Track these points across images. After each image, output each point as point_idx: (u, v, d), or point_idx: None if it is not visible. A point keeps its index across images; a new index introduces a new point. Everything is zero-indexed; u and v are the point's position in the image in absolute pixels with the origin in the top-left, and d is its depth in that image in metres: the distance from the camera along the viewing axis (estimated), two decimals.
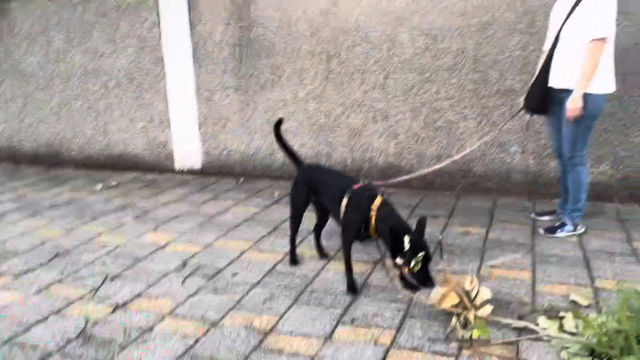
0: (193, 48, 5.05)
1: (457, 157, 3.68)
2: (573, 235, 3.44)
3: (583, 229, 3.49)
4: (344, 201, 2.67)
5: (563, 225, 3.48)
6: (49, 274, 3.04)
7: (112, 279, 2.95)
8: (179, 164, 5.39)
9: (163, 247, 3.43)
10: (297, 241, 3.43)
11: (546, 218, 3.76)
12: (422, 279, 2.42)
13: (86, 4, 5.30)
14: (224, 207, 4.23)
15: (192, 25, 5.00)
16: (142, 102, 5.35)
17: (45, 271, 3.08)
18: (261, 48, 4.83)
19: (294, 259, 3.11)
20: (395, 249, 2.45)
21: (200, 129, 5.22)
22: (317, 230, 3.16)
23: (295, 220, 3.04)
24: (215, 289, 2.82)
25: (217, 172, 5.26)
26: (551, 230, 3.48)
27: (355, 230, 2.63)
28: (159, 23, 5.09)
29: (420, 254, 2.36)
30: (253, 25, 4.81)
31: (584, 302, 2.53)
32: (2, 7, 5.62)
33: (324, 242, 3.24)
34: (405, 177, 3.57)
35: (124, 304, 2.67)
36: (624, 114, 3.98)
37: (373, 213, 2.54)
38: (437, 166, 3.64)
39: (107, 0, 5.21)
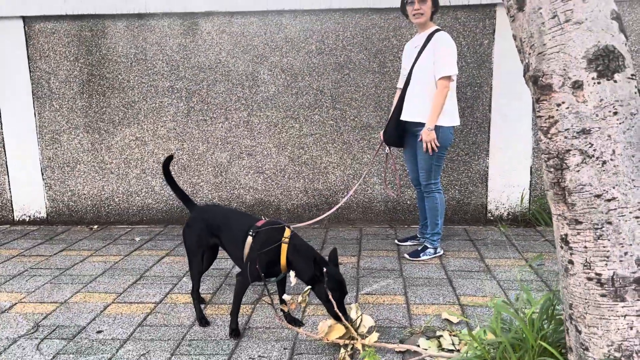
0: (33, 85, 4.59)
1: (351, 192, 3.83)
2: (434, 257, 3.70)
3: (442, 251, 3.77)
4: (249, 240, 2.53)
5: (425, 249, 3.72)
6: None
7: None
8: (18, 214, 4.79)
9: (8, 309, 2.97)
10: (169, 289, 3.23)
11: (408, 243, 4.00)
12: (342, 312, 2.38)
13: None
14: (79, 258, 3.83)
15: (31, 60, 4.55)
16: None
17: None
18: (114, 84, 4.55)
19: (203, 318, 2.76)
20: (313, 279, 2.40)
21: (43, 173, 4.71)
22: (198, 278, 2.96)
23: (196, 267, 2.77)
24: (79, 350, 2.50)
25: (65, 221, 4.77)
26: (415, 254, 3.70)
27: (264, 268, 2.47)
28: None
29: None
30: (104, 61, 4.52)
31: (454, 319, 2.71)
32: None
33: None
34: (316, 219, 3.52)
35: None
36: (465, 145, 4.43)
37: (284, 246, 2.45)
38: (339, 204, 3.69)
39: None
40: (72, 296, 3.14)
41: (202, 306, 2.93)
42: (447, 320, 2.71)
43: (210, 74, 4.49)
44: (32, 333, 2.68)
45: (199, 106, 4.54)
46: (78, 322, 2.79)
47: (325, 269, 2.36)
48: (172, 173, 4.53)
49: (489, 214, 4.52)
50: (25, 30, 4.51)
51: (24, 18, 4.49)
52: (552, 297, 2.04)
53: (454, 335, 2.46)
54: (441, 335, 2.47)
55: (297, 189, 4.60)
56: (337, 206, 3.72)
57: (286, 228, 2.54)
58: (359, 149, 4.51)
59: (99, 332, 2.69)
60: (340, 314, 2.36)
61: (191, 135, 4.58)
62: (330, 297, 2.34)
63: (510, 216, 4.49)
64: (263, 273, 2.47)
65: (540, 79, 1.67)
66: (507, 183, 4.44)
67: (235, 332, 2.59)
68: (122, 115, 4.59)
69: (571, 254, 1.69)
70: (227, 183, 4.62)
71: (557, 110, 1.65)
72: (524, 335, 1.91)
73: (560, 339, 1.95)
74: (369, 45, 4.37)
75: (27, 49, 4.54)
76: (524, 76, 1.75)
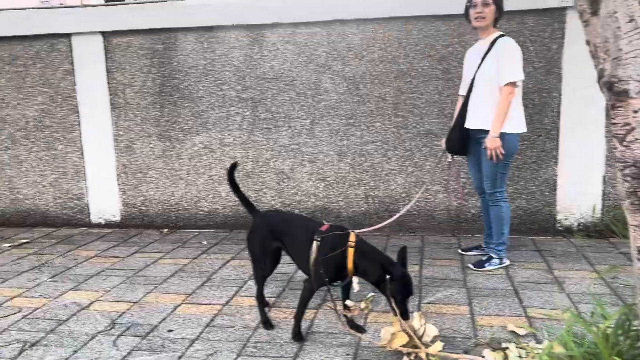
0: (110, 96, 4.87)
1: (414, 199, 3.85)
2: (500, 267, 3.61)
3: (508, 262, 3.67)
4: (315, 244, 2.56)
5: (490, 259, 3.64)
6: None
7: (32, 346, 2.66)
8: (95, 217, 5.08)
9: (87, 306, 3.16)
10: (234, 291, 3.34)
11: (472, 253, 3.93)
12: (401, 311, 2.40)
13: None
14: (151, 259, 4.02)
15: (109, 72, 4.84)
16: (54, 153, 5.03)
17: None
18: (184, 94, 4.76)
19: (267, 321, 2.83)
20: (380, 279, 2.43)
21: (118, 179, 4.98)
22: (262, 283, 3.00)
23: (260, 271, 2.84)
24: (151, 347, 2.63)
25: (138, 224, 5.01)
26: (479, 264, 3.63)
27: (331, 273, 2.51)
28: (73, 71, 4.87)
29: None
30: (175, 72, 4.74)
31: (521, 331, 2.64)
32: None
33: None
34: (379, 225, 3.55)
35: None
36: (532, 152, 4.31)
37: (351, 250, 2.47)
38: (403, 211, 3.70)
39: (15, 47, 4.93)
40: (144, 296, 3.30)
41: (267, 309, 3.00)
42: (514, 332, 2.65)
43: (275, 83, 4.60)
44: (109, 330, 2.84)
45: (263, 115, 4.66)
46: (150, 321, 2.94)
47: (393, 270, 2.38)
48: (237, 180, 4.69)
49: (558, 224, 4.36)
50: (104, 45, 4.80)
51: (103, 33, 4.78)
52: (627, 312, 1.95)
53: (521, 348, 2.39)
54: (507, 347, 2.41)
55: (357, 196, 4.62)
56: (401, 213, 3.71)
57: (351, 233, 2.55)
58: (421, 156, 4.47)
59: (169, 331, 2.81)
60: (397, 311, 2.37)
61: (256, 143, 4.71)
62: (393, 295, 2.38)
63: (580, 226, 4.32)
64: (329, 278, 2.50)
65: (616, 84, 1.62)
66: (578, 192, 4.27)
67: (298, 336, 2.63)
68: (192, 124, 4.78)
69: None
70: (289, 189, 4.71)
71: (633, 117, 1.60)
72: (597, 350, 1.84)
73: (636, 355, 1.87)
74: (432, 52, 4.34)
75: (106, 62, 4.83)
76: (598, 82, 1.70)
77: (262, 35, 4.57)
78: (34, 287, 3.49)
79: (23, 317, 3.01)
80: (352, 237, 2.53)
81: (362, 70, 4.46)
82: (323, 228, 2.62)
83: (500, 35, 3.45)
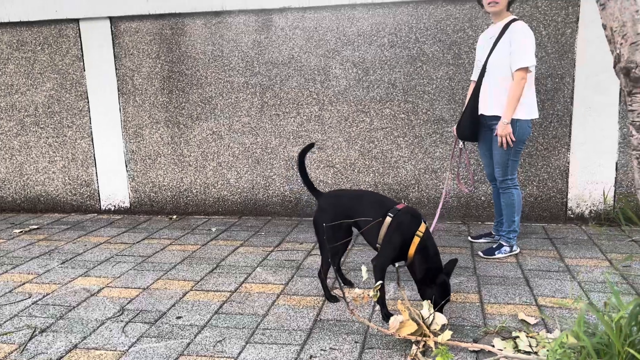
0: (118, 82, 4.85)
1: (443, 194, 3.80)
2: (510, 255, 3.58)
3: (518, 250, 3.64)
4: (387, 220, 2.59)
5: (500, 246, 3.61)
6: None
7: (42, 332, 2.68)
8: (105, 204, 5.10)
9: (96, 293, 3.18)
10: (243, 278, 3.34)
11: (482, 240, 3.90)
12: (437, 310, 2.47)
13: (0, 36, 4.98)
14: (160, 246, 4.03)
15: (117, 58, 4.82)
16: (64, 139, 5.04)
17: None
18: (192, 81, 4.73)
19: (331, 295, 2.92)
20: (424, 281, 2.51)
21: (127, 165, 4.98)
22: (337, 261, 3.01)
23: (329, 250, 2.83)
24: (160, 334, 2.64)
25: (147, 211, 5.03)
26: (489, 252, 3.60)
27: (394, 251, 2.56)
28: (82, 56, 4.86)
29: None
30: (183, 58, 4.71)
31: (532, 320, 2.62)
32: None
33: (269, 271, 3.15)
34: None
35: (59, 359, 2.43)
36: (544, 139, 4.25)
37: (416, 239, 2.51)
38: (436, 217, 3.67)
39: (23, 32, 4.92)
40: (153, 282, 3.31)
41: (351, 288, 3.03)
42: (524, 321, 2.63)
43: (284, 69, 4.56)
44: (118, 316, 2.85)
45: (272, 101, 4.63)
46: (159, 308, 2.94)
47: (438, 276, 2.49)
48: (248, 166, 4.68)
49: (569, 212, 4.31)
50: (112, 30, 4.77)
51: (110, 18, 4.75)
52: None
53: (531, 337, 2.37)
54: (517, 336, 2.40)
55: (366, 183, 4.59)
56: (436, 219, 3.66)
57: (422, 222, 2.58)
58: (431, 142, 4.43)
59: (178, 317, 2.82)
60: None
61: (264, 130, 4.68)
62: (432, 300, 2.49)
63: (592, 214, 4.26)
64: (394, 258, 2.57)
65: (633, 70, 1.57)
66: (590, 179, 4.22)
67: (388, 316, 2.64)
68: (200, 110, 4.76)
69: None
70: (298, 176, 4.69)
71: None
72: (609, 341, 1.81)
73: None
74: (443, 37, 4.28)
75: (114, 48, 4.80)
76: (614, 67, 1.66)
77: (270, 20, 4.52)
78: (44, 273, 3.51)
79: (33, 303, 3.04)
80: (422, 227, 2.56)
81: (371, 55, 4.41)
82: (399, 207, 2.65)
83: (513, 20, 3.38)
